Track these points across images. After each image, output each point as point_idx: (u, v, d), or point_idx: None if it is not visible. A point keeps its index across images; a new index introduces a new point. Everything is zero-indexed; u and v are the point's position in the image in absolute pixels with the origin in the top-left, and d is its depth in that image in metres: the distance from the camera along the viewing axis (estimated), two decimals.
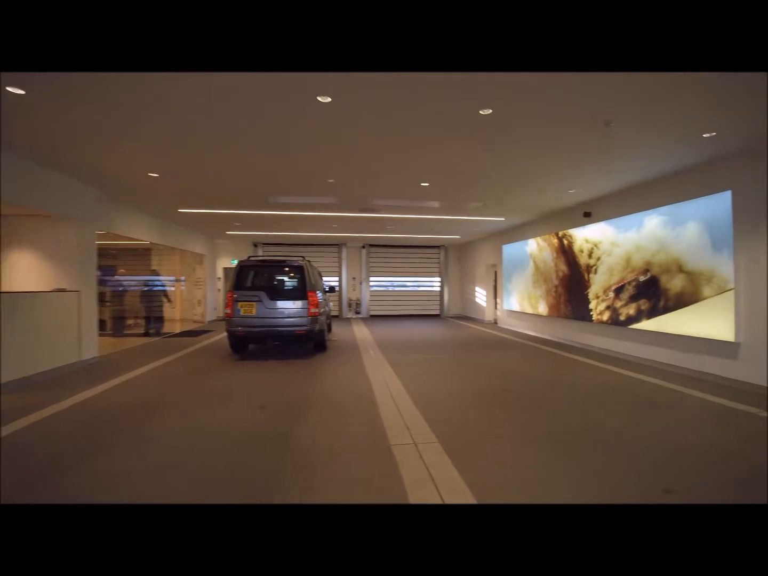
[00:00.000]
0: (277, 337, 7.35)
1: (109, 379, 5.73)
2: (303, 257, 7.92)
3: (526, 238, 10.99)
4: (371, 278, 16.75)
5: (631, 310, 7.30)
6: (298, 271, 7.49)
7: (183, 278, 14.64)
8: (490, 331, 11.91)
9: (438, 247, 17.00)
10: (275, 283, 7.85)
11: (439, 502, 2.47)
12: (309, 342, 7.83)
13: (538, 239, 10.33)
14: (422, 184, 6.89)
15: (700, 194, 5.99)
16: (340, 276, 16.45)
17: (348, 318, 16.11)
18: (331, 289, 10.44)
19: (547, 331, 10.18)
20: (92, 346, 7.17)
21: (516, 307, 11.70)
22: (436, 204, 8.65)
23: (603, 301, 8.00)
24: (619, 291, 7.59)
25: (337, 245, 16.40)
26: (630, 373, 6.23)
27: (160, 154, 5.45)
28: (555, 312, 9.69)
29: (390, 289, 17.10)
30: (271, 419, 4.13)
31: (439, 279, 17.21)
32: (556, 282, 9.61)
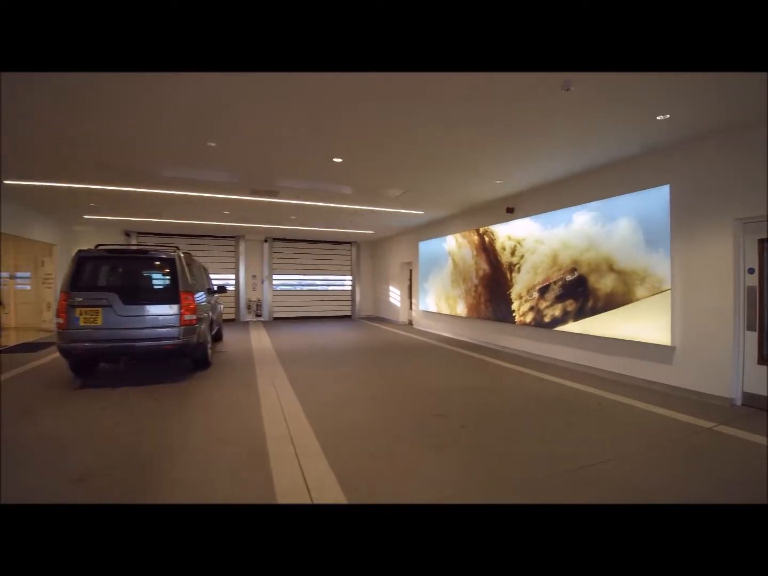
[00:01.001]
0: (135, 354, 5.44)
1: None
2: (177, 248, 6.09)
3: (444, 234, 10.26)
4: (275, 276, 14.94)
5: (557, 311, 6.80)
6: (168, 265, 5.65)
7: (24, 274, 11.43)
8: (406, 333, 11.01)
9: (350, 243, 15.79)
10: (133, 281, 5.89)
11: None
12: (184, 358, 6.03)
13: (458, 236, 9.64)
14: (335, 160, 5.58)
15: (635, 189, 5.57)
16: (237, 273, 14.38)
17: (246, 322, 14.12)
18: (222, 288, 8.59)
19: (467, 333, 9.53)
20: None
21: (433, 308, 10.96)
22: (349, 190, 7.39)
23: (527, 301, 7.46)
24: (543, 291, 7.07)
25: (234, 238, 14.30)
26: (564, 382, 5.61)
27: None
28: (475, 313, 9.06)
29: (297, 288, 15.45)
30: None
31: (350, 278, 16.01)
32: (476, 281, 8.97)
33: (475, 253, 8.97)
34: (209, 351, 6.49)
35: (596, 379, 5.79)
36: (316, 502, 2.53)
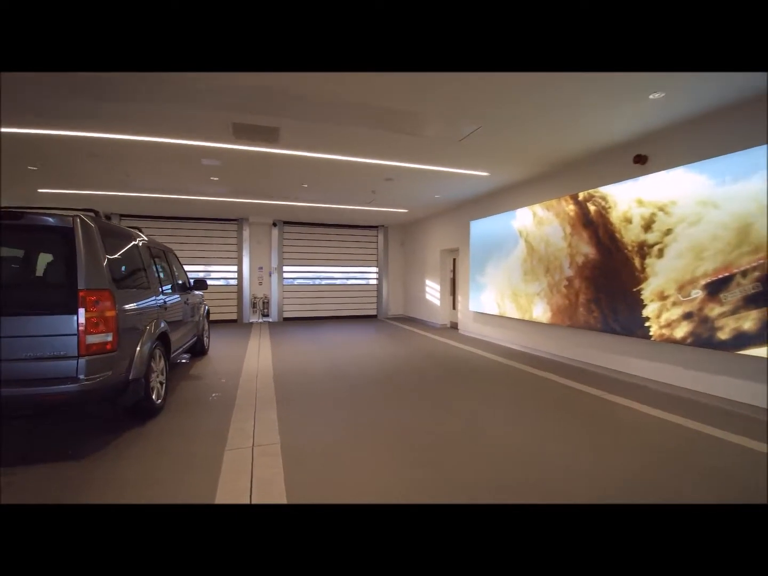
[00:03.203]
0: None
1: None
2: (94, 212, 3.47)
3: (513, 207, 7.41)
4: (285, 268, 12.35)
5: (749, 322, 3.94)
6: (58, 241, 3.00)
7: None
8: (454, 343, 8.24)
9: (376, 227, 13.06)
10: None
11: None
12: (92, 410, 3.44)
13: (537, 208, 6.78)
14: None
15: None
16: (240, 265, 11.82)
17: (250, 323, 11.57)
18: (201, 283, 6.02)
19: (550, 347, 6.71)
20: None
21: (491, 309, 8.15)
22: (388, 123, 4.65)
23: (677, 304, 4.60)
24: (717, 287, 4.20)
25: (236, 221, 11.74)
26: None
27: None
28: (566, 318, 6.22)
29: (312, 282, 12.83)
30: None
31: (376, 269, 13.30)
32: (570, 272, 6.12)
33: (569, 230, 6.11)
34: (156, 389, 3.85)
35: None
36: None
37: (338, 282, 13.04)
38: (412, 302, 12.81)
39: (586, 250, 5.80)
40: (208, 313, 7.18)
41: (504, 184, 7.32)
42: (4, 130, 4.68)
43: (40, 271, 3.21)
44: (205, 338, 6.78)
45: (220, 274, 11.80)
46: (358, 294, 13.20)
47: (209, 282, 11.39)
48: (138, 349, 3.48)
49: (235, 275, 11.85)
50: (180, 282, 5.57)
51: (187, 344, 5.62)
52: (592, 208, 5.69)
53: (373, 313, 13.31)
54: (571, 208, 6.06)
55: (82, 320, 2.85)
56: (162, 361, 4.05)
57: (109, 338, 3.01)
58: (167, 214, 10.93)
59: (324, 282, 12.92)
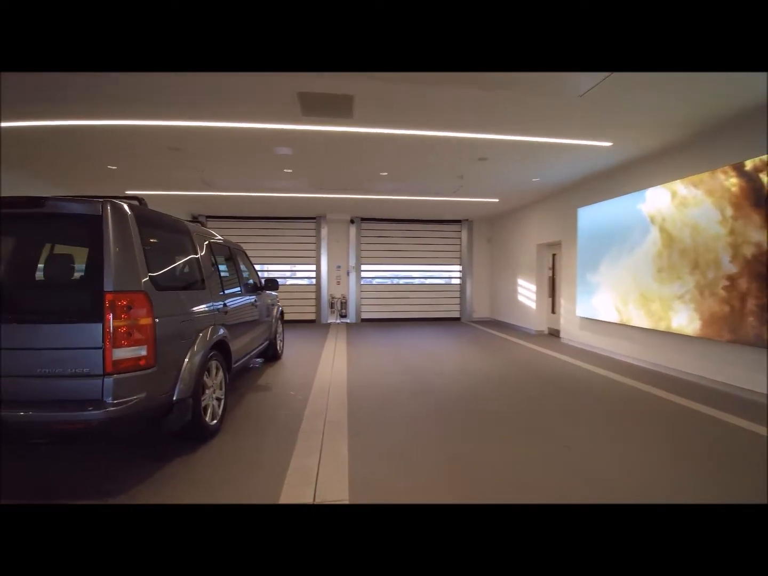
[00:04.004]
0: (4, 435, 2.37)
1: None
2: (138, 200, 2.95)
3: (640, 187, 5.90)
4: (363, 267, 11.77)
5: None
6: (85, 232, 2.48)
7: None
8: (560, 355, 6.90)
9: (459, 222, 11.95)
10: (3, 270, 2.75)
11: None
12: (119, 439, 2.94)
13: (678, 185, 5.25)
14: None
15: None
16: (318, 264, 11.49)
17: (328, 324, 11.16)
18: (272, 283, 5.52)
19: (695, 366, 5.15)
20: None
21: (607, 315, 6.68)
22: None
23: None
24: None
25: (314, 220, 11.42)
26: None
27: None
28: (725, 331, 4.65)
29: (390, 282, 12.12)
30: None
31: (459, 268, 12.19)
32: (732, 268, 4.57)
33: (730, 212, 4.55)
34: (211, 408, 3.27)
35: None
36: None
37: (418, 281, 12.17)
38: (501, 304, 11.49)
39: (759, 237, 4.23)
40: (282, 314, 6.70)
41: (630, 157, 5.84)
42: (78, 123, 4.52)
43: (60, 269, 2.74)
44: (278, 341, 6.30)
45: (302, 273, 11.64)
46: (440, 294, 12.20)
47: (292, 282, 11.43)
48: (186, 362, 2.90)
49: (314, 274, 11.55)
50: (250, 282, 5.10)
51: (257, 350, 5.13)
52: (765, 179, 4.12)
53: (456, 315, 12.21)
54: (732, 182, 4.50)
55: (109, 330, 2.29)
56: (219, 374, 3.48)
57: (143, 352, 2.43)
58: (249, 214, 10.95)
59: (403, 281, 12.13)
